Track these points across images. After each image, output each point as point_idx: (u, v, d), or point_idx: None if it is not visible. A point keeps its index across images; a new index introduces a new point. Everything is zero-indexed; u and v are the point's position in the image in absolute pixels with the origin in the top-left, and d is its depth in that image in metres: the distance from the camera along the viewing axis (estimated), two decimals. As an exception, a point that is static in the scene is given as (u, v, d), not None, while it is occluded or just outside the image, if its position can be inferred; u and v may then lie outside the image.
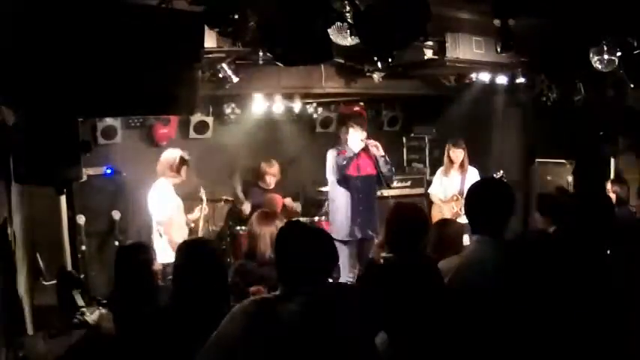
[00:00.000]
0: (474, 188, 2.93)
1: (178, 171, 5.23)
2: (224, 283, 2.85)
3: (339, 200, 5.90)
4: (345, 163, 5.72)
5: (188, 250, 2.90)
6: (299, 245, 2.34)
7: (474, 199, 2.82)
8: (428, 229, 3.45)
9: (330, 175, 5.93)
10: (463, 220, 6.19)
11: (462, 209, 6.18)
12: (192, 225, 5.69)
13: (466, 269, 2.72)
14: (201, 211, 5.73)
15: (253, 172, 7.08)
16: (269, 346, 2.20)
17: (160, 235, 5.19)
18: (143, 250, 3.43)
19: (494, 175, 6.40)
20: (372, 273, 3.42)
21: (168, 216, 5.16)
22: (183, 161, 5.25)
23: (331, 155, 5.88)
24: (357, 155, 5.83)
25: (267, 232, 3.68)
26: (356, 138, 5.79)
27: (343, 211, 5.85)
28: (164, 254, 4.64)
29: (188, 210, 5.63)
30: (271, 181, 6.88)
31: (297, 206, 7.14)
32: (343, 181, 5.83)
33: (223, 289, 2.81)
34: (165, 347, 2.59)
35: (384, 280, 2.80)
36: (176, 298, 2.75)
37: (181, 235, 5.27)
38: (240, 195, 6.84)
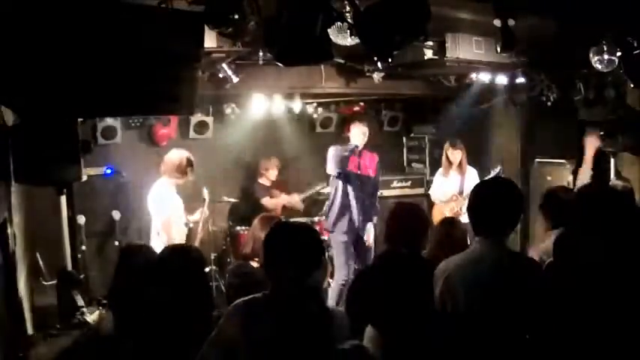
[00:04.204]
0: (478, 190, 2.86)
1: (184, 172, 5.23)
2: (204, 290, 2.91)
3: (337, 196, 5.91)
4: (346, 154, 5.75)
5: (166, 257, 2.95)
6: (281, 243, 2.39)
7: (478, 200, 2.75)
8: (427, 229, 3.44)
9: (331, 170, 5.92)
10: (464, 219, 6.22)
11: (462, 209, 6.19)
12: (192, 225, 5.70)
13: (464, 269, 2.69)
14: (201, 214, 5.74)
15: (255, 170, 7.12)
16: (262, 345, 2.24)
17: (158, 234, 5.19)
18: (146, 251, 3.43)
19: (493, 171, 6.44)
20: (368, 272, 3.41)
21: (167, 215, 5.16)
22: (189, 162, 5.25)
23: (332, 149, 5.91)
24: (360, 154, 5.88)
25: None
26: (358, 132, 5.87)
27: (340, 207, 5.88)
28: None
29: (190, 211, 5.64)
30: (272, 177, 6.95)
31: (299, 204, 7.19)
32: (343, 175, 5.84)
33: (203, 296, 2.86)
34: (164, 348, 2.60)
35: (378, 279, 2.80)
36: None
37: (180, 235, 5.27)
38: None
